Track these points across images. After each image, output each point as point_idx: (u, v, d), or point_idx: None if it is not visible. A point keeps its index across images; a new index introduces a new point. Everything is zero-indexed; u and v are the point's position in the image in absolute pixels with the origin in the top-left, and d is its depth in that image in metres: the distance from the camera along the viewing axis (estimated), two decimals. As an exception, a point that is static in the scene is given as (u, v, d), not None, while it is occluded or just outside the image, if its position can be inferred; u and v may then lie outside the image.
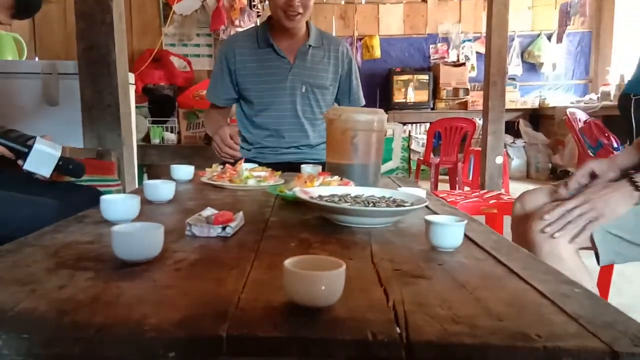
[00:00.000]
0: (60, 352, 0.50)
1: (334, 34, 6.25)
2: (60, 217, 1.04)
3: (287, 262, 0.58)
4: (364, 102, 2.13)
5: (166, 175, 1.53)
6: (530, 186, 1.59)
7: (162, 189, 1.16)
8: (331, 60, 2.01)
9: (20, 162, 1.37)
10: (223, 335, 0.49)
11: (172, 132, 3.82)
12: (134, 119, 2.75)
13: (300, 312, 0.55)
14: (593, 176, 1.36)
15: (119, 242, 0.69)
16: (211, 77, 2.06)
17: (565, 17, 5.68)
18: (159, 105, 3.83)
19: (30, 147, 1.35)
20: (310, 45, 1.96)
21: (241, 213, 0.97)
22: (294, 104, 1.96)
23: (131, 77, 2.80)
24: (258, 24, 2.04)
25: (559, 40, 6.10)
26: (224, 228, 0.87)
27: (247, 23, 4.01)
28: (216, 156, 1.88)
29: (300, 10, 1.83)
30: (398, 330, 0.51)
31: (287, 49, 1.95)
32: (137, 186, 2.51)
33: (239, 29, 3.92)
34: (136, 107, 3.46)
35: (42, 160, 1.36)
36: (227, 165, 1.54)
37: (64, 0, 3.91)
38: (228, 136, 1.78)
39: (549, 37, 6.31)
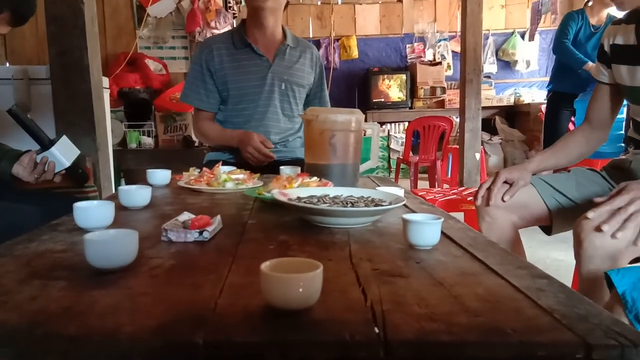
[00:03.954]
0: (32, 364, 0.49)
1: (310, 35, 6.28)
2: (39, 224, 1.02)
3: (264, 266, 0.58)
4: (328, 102, 2.20)
5: (145, 180, 1.51)
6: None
7: (137, 195, 1.14)
8: (306, 61, 2.06)
9: (38, 152, 1.43)
10: (199, 341, 0.49)
11: (149, 136, 3.78)
12: (109, 124, 2.71)
13: (278, 315, 0.55)
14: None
15: (92, 250, 0.68)
16: (189, 82, 2.03)
17: (536, 15, 5.77)
18: (135, 109, 3.79)
19: (56, 138, 1.43)
20: (288, 45, 2.00)
21: (219, 217, 0.96)
22: (273, 100, 1.99)
23: (105, 81, 2.75)
24: (234, 26, 2.04)
25: (531, 38, 6.21)
26: (201, 232, 0.86)
27: (223, 25, 3.99)
28: (195, 160, 1.87)
29: None
30: (376, 330, 0.51)
31: (265, 48, 1.98)
32: (114, 192, 2.48)
33: (215, 31, 3.90)
34: (112, 111, 3.41)
35: (67, 149, 1.46)
36: (204, 168, 1.52)
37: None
38: (262, 146, 1.84)
39: (523, 35, 6.42)
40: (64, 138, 1.47)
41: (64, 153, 1.45)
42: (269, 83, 1.97)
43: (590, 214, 1.13)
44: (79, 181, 1.55)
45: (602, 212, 1.13)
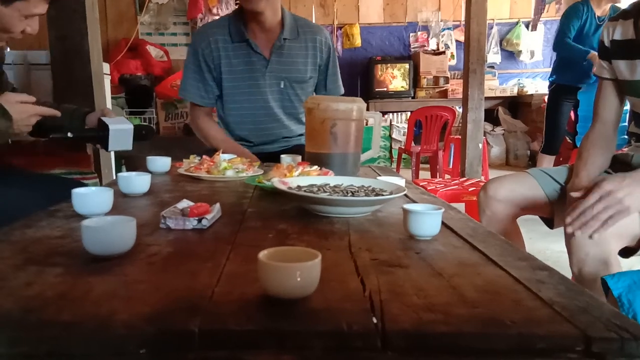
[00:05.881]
0: (26, 351, 0.48)
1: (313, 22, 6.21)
2: (38, 209, 1.01)
3: (262, 254, 0.57)
4: (342, 91, 2.03)
5: (145, 167, 1.51)
6: (509, 173, 1.61)
7: (136, 181, 1.14)
8: (309, 51, 1.89)
9: (98, 145, 1.50)
10: (195, 329, 0.48)
11: (150, 123, 3.77)
12: (109, 110, 2.69)
13: (275, 304, 0.54)
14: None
15: (89, 236, 0.67)
16: (187, 76, 1.87)
17: (540, 4, 5.71)
18: (136, 95, 3.78)
19: (104, 131, 1.44)
20: (285, 39, 1.83)
21: (218, 205, 0.96)
22: (272, 101, 1.86)
23: (106, 67, 2.73)
24: (230, 14, 1.84)
25: (534, 28, 6.15)
26: (199, 220, 0.86)
27: (225, 11, 3.96)
28: (196, 148, 1.85)
29: None
30: (374, 319, 0.51)
31: (262, 43, 1.82)
32: (114, 178, 2.47)
33: (217, 17, 3.86)
34: (112, 98, 3.40)
35: (121, 137, 1.47)
36: (204, 156, 1.51)
37: (35, -12, 3.79)
38: None
39: (527, 25, 6.36)
40: (106, 118, 1.46)
41: (119, 122, 1.46)
42: (268, 83, 1.83)
43: (568, 219, 1.15)
44: (148, 137, 1.62)
45: (575, 214, 1.14)
